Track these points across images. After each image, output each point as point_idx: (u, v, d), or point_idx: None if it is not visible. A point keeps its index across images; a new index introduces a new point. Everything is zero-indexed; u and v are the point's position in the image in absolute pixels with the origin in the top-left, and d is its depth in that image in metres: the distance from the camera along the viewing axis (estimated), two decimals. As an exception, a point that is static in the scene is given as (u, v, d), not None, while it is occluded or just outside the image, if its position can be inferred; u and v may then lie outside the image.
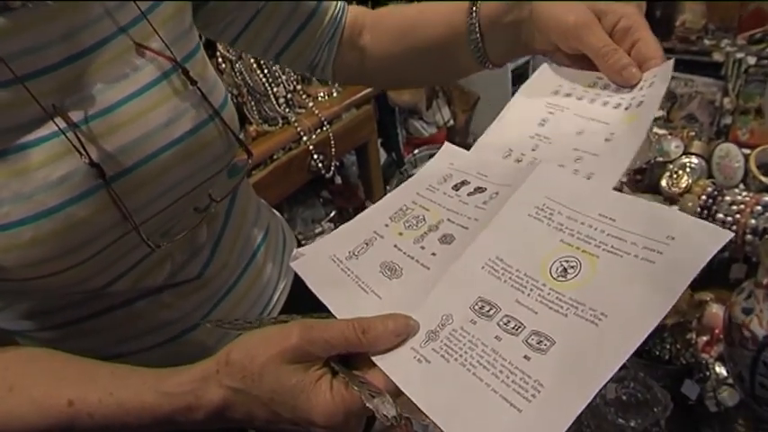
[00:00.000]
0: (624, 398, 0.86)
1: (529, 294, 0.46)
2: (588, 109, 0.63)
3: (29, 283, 0.59)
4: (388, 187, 2.74)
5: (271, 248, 0.88)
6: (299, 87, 2.09)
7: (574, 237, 0.48)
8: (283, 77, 2.05)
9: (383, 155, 2.83)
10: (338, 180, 2.35)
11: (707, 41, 2.52)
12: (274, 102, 1.99)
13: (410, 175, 2.41)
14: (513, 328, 0.45)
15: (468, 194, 0.60)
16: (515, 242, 0.51)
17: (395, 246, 0.58)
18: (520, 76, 3.30)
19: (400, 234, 0.59)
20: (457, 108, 3.06)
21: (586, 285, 0.45)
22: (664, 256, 0.43)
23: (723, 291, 0.95)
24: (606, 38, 0.61)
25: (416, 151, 2.94)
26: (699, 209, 0.97)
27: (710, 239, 0.43)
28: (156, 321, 0.72)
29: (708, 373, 0.86)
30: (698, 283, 1.00)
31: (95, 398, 0.54)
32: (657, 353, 0.89)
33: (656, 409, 0.84)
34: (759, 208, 0.93)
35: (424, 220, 0.59)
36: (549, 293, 0.45)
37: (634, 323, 0.41)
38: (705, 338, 0.91)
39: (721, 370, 0.87)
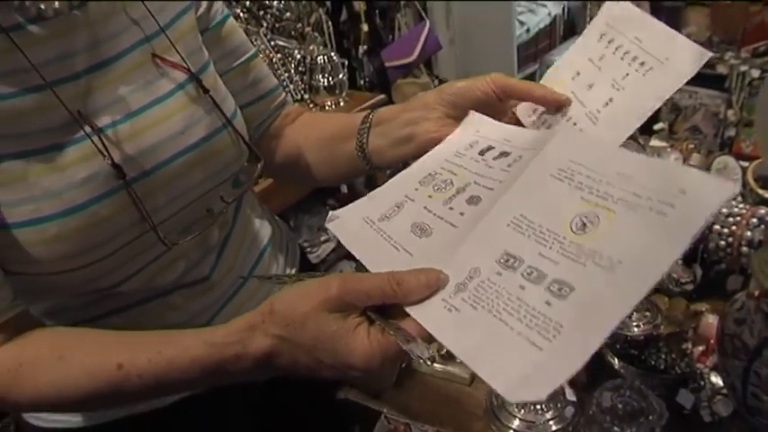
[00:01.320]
0: (620, 406, 0.87)
1: (551, 247, 0.50)
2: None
3: (51, 278, 0.63)
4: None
5: (275, 252, 0.91)
6: (306, 96, 2.11)
7: (593, 194, 0.51)
8: (290, 86, 2.08)
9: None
10: (344, 189, 2.37)
11: (711, 54, 2.54)
12: (281, 111, 2.01)
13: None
14: (536, 277, 0.48)
15: (494, 158, 0.64)
16: (538, 200, 0.54)
17: (425, 207, 0.62)
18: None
19: (429, 197, 0.63)
20: (463, 118, 3.09)
21: (604, 237, 0.48)
22: (675, 209, 0.46)
23: (719, 302, 0.96)
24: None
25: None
26: (734, 184, 0.99)
27: (717, 192, 0.46)
28: (163, 323, 0.75)
29: (703, 383, 0.87)
30: (695, 294, 1.01)
31: (144, 358, 0.57)
32: (653, 362, 0.90)
33: (651, 418, 0.85)
34: (755, 220, 0.94)
35: (452, 183, 0.63)
36: (569, 246, 0.49)
37: (646, 269, 0.44)
38: (701, 348, 0.92)
39: (716, 380, 0.87)
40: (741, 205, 0.99)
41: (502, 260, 0.51)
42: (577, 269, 0.47)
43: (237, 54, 0.83)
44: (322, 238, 2.32)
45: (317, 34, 2.42)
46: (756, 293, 0.73)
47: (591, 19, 2.44)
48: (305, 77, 2.17)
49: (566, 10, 3.69)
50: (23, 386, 0.59)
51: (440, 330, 0.50)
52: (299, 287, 0.54)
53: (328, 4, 2.57)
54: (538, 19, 3.43)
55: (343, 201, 2.46)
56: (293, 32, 2.31)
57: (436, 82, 2.94)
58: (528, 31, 3.34)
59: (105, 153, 0.61)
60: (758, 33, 2.35)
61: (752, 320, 0.74)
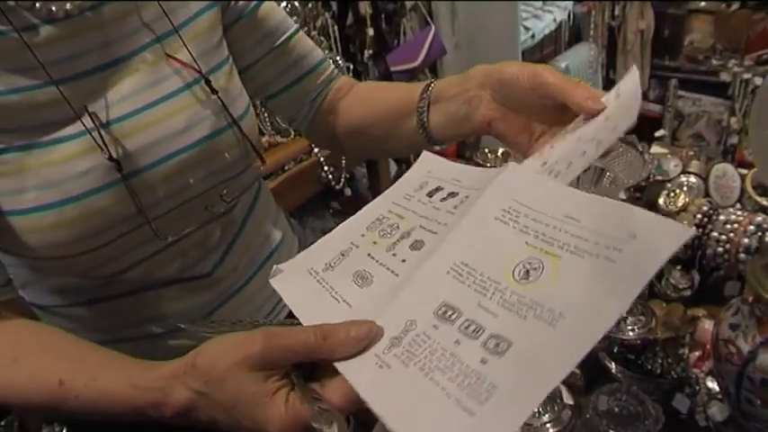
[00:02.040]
0: (617, 410, 0.88)
1: (491, 298, 0.46)
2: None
3: (51, 263, 0.66)
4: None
5: (283, 257, 0.91)
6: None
7: (538, 238, 0.48)
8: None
9: (393, 167, 2.86)
10: (348, 192, 2.38)
11: (714, 61, 2.55)
12: (286, 114, 2.03)
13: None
14: (473, 331, 0.45)
15: (441, 200, 0.61)
16: (481, 246, 0.51)
17: (368, 255, 0.59)
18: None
19: (374, 243, 0.60)
20: (468, 122, 3.10)
21: (547, 287, 0.45)
22: (624, 254, 0.43)
23: (716, 308, 0.96)
24: (563, 76, 0.63)
25: None
26: (694, 227, 0.99)
27: (670, 237, 0.42)
28: (160, 312, 0.77)
29: (698, 388, 0.88)
30: (693, 300, 1.02)
31: (81, 382, 0.58)
32: (650, 367, 0.91)
33: (647, 422, 0.86)
34: (752, 227, 0.95)
35: (398, 227, 0.60)
36: (510, 296, 0.45)
37: (591, 323, 0.41)
38: (697, 354, 0.93)
39: (712, 385, 0.88)
40: (739, 212, 1.00)
41: (440, 312, 0.48)
42: (517, 323, 0.44)
43: (277, 34, 0.83)
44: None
45: (322, 38, 2.44)
46: (750, 299, 0.74)
47: (595, 26, 2.44)
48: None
49: (571, 16, 3.68)
50: None
51: (367, 390, 0.45)
52: (224, 340, 0.52)
53: (334, 7, 2.58)
54: (543, 25, 3.42)
55: (346, 204, 2.48)
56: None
57: (441, 86, 2.96)
58: (533, 36, 3.32)
59: (104, 148, 0.63)
60: (761, 41, 2.36)
61: (746, 326, 0.75)
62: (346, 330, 0.49)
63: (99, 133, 0.63)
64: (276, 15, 0.84)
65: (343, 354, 0.48)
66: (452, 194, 0.60)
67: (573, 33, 3.74)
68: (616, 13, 2.72)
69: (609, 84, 2.99)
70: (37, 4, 0.61)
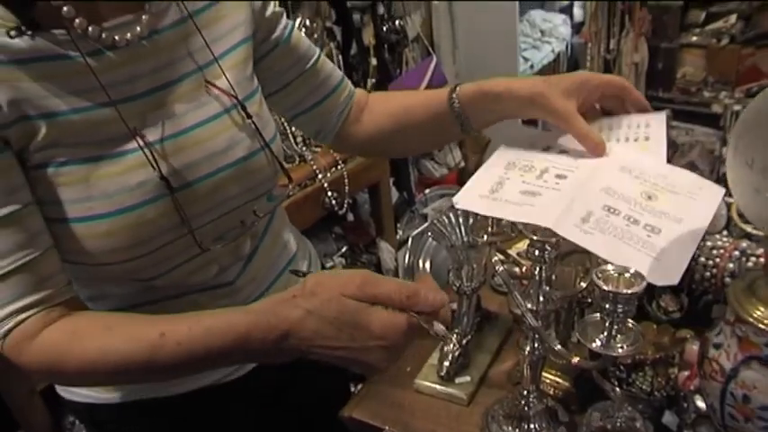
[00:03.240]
0: (609, 427, 0.92)
1: (634, 206, 0.77)
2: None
3: (99, 268, 0.72)
4: (398, 225, 2.82)
5: (299, 265, 1.01)
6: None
7: (648, 182, 0.81)
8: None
9: (395, 194, 2.92)
10: (351, 217, 2.43)
11: (706, 93, 2.63)
12: (292, 140, 2.09)
13: (421, 215, 2.50)
14: (633, 221, 0.75)
15: (558, 153, 0.87)
16: (615, 180, 0.81)
17: (523, 182, 0.82)
18: (530, 120, 3.42)
19: (521, 176, 0.83)
20: (468, 150, 3.15)
21: (665, 205, 0.78)
22: (699, 196, 0.80)
23: (704, 329, 1.01)
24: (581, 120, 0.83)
25: (427, 191, 3.02)
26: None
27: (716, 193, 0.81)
28: None
29: (687, 406, 0.93)
30: (682, 322, 1.06)
31: (185, 327, 0.65)
32: (641, 385, 0.95)
33: (638, 438, 0.90)
34: (737, 253, 1.00)
35: (534, 167, 0.84)
36: (645, 206, 0.78)
37: (698, 222, 0.77)
38: (686, 373, 0.97)
39: (700, 403, 0.93)
40: (726, 239, 1.05)
41: (605, 209, 0.76)
42: (657, 220, 0.76)
43: (307, 58, 0.94)
44: (327, 265, 2.38)
45: (327, 67, 2.51)
46: (732, 320, 0.79)
47: (591, 58, 2.52)
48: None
49: (569, 47, 3.78)
50: (73, 351, 0.67)
51: (583, 242, 0.73)
52: (329, 274, 0.65)
53: (339, 37, 2.66)
54: (542, 55, 3.51)
55: (349, 229, 2.53)
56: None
57: (441, 115, 3.02)
58: (532, 66, 3.41)
59: (154, 165, 0.71)
60: (751, 75, 2.44)
61: (728, 345, 0.79)
62: (425, 296, 0.63)
63: (150, 151, 0.71)
64: (304, 42, 0.95)
65: (419, 310, 0.63)
66: (564, 151, 0.86)
67: (571, 64, 3.83)
68: (611, 46, 2.81)
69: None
70: (103, 34, 0.68)
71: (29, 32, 0.64)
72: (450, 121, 0.93)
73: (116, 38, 0.70)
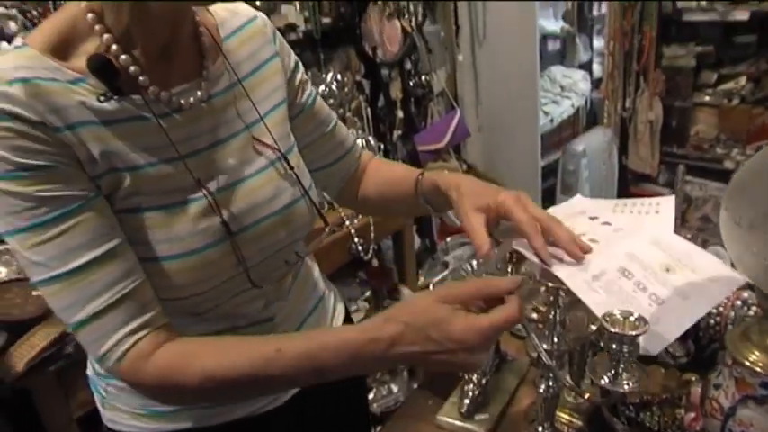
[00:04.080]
0: (619, 463, 0.99)
1: (649, 275, 0.84)
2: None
3: (163, 303, 0.80)
4: (420, 271, 2.91)
5: (326, 305, 1.10)
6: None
7: (672, 257, 0.87)
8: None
9: (418, 241, 3.01)
10: (375, 262, 2.52)
11: (719, 150, 2.72)
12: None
13: (442, 262, 2.57)
14: (642, 288, 0.82)
15: (602, 224, 0.95)
16: (641, 249, 0.88)
17: None
18: (550, 172, 3.50)
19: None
20: (489, 200, 3.24)
21: (678, 279, 0.83)
22: (714, 279, 0.84)
23: (709, 373, 1.08)
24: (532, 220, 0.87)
25: (449, 240, 3.10)
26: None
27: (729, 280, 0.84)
28: None
29: (692, 444, 0.99)
30: (688, 367, 1.13)
31: (301, 342, 0.75)
32: (649, 424, 1.02)
33: (646, 474, 0.96)
34: (739, 303, 1.08)
35: (574, 229, 0.89)
36: (660, 277, 0.84)
37: (701, 302, 0.82)
38: (692, 415, 1.04)
39: (705, 442, 0.99)
40: (729, 290, 1.13)
41: (620, 270, 0.83)
42: (666, 292, 0.82)
43: (327, 122, 1.06)
44: (351, 308, 2.47)
45: (356, 119, 2.64)
46: (730, 362, 0.87)
47: (608, 115, 2.64)
48: (344, 159, 2.37)
49: (588, 102, 3.88)
50: (190, 368, 0.74)
51: (586, 297, 0.80)
52: (416, 295, 0.76)
53: (367, 91, 2.80)
54: (561, 110, 3.60)
55: (373, 274, 2.62)
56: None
57: (464, 166, 3.13)
58: (552, 121, 3.50)
59: (217, 211, 0.81)
60: (761, 133, 2.53)
61: (726, 385, 0.87)
62: (496, 283, 0.74)
63: (213, 199, 0.81)
64: (325, 108, 1.07)
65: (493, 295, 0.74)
66: (607, 223, 0.95)
67: (590, 118, 3.93)
68: (627, 105, 2.92)
69: (621, 169, 3.15)
70: (172, 100, 0.80)
71: (114, 97, 0.75)
72: (421, 203, 1.03)
73: (182, 102, 0.81)
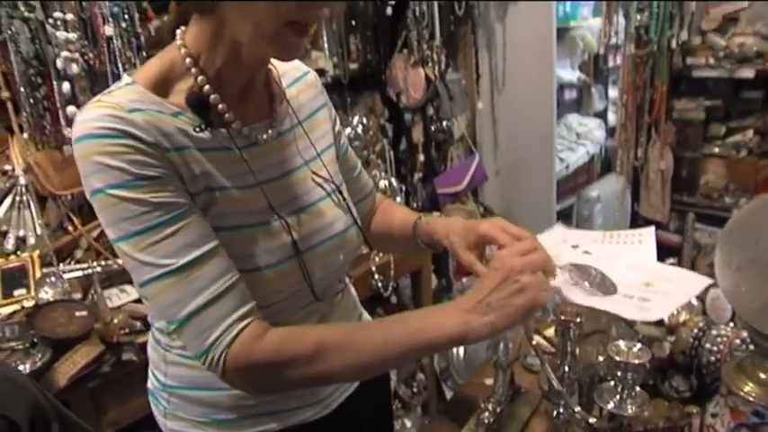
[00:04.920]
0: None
1: (633, 289, 0.96)
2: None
3: None
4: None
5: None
6: (367, 216, 2.41)
7: (649, 276, 0.98)
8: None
9: (435, 280, 3.10)
10: (393, 299, 2.61)
11: (727, 199, 2.82)
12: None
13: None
14: (629, 297, 0.94)
15: (583, 252, 1.07)
16: (625, 273, 1.00)
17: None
18: (565, 217, 3.59)
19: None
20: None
21: (655, 289, 0.95)
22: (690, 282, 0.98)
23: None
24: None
25: (465, 280, 3.16)
26: (691, 339, 1.21)
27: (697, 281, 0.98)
28: None
29: (693, 472, 1.07)
30: (691, 400, 1.22)
31: (402, 315, 0.95)
32: (652, 452, 1.10)
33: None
34: (737, 341, 1.16)
35: (560, 257, 1.00)
36: (642, 289, 0.96)
37: (677, 297, 0.95)
38: (692, 444, 1.12)
39: (705, 470, 1.07)
40: (729, 329, 1.21)
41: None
42: (650, 295, 0.93)
43: (354, 168, 1.20)
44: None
45: (380, 161, 2.76)
46: (725, 392, 0.96)
47: (621, 163, 2.75)
48: (367, 199, 2.49)
49: (602, 149, 3.97)
50: (309, 335, 0.86)
51: (585, 301, 0.94)
52: None
53: (390, 134, 2.93)
54: (576, 156, 3.67)
55: (390, 310, 2.70)
56: (359, 158, 2.65)
57: (481, 209, 3.23)
58: (567, 167, 3.57)
59: (288, 232, 0.92)
60: (768, 184, 2.62)
61: (722, 414, 0.96)
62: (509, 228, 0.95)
63: (285, 221, 0.93)
64: (353, 155, 1.21)
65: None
66: (587, 252, 1.07)
67: (604, 165, 4.01)
68: (639, 154, 3.03)
69: (634, 216, 3.24)
70: (250, 134, 0.93)
71: (206, 129, 0.88)
72: (420, 245, 1.16)
73: (257, 136, 0.94)
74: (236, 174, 0.91)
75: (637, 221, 3.12)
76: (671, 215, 3.06)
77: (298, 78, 1.07)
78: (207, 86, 0.88)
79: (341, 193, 1.04)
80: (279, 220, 0.93)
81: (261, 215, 0.92)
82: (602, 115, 4.11)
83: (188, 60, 0.87)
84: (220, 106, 0.89)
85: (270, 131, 0.96)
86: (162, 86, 0.87)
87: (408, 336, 0.84)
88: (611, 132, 3.85)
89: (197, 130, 0.87)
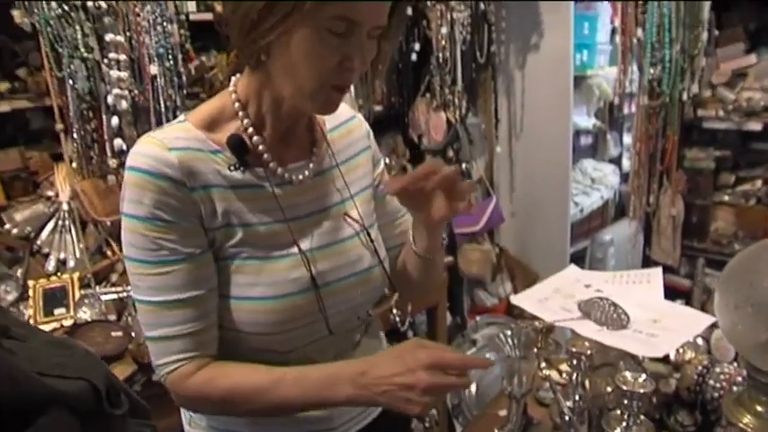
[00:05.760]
0: None
1: (639, 327, 1.07)
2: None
3: (249, 336, 0.99)
4: (450, 347, 3.03)
5: None
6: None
7: (654, 312, 1.04)
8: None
9: (449, 318, 3.16)
10: (410, 334, 2.66)
11: (737, 246, 2.89)
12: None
13: (471, 339, 2.73)
14: (638, 331, 1.05)
15: (595, 291, 1.15)
16: (633, 310, 1.11)
17: (564, 301, 1.16)
18: (578, 259, 3.63)
19: (564, 298, 1.18)
20: (518, 283, 3.36)
21: (661, 324, 1.06)
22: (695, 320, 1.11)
23: (711, 440, 1.23)
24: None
25: (478, 318, 3.20)
26: (696, 376, 1.29)
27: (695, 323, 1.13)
28: None
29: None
30: (696, 435, 1.28)
31: (299, 370, 0.96)
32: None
33: None
34: (740, 379, 1.24)
35: (574, 296, 1.11)
36: (651, 325, 1.03)
37: (687, 333, 1.11)
38: (695, 475, 1.19)
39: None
40: (732, 367, 1.29)
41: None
42: (658, 331, 1.04)
43: (393, 214, 1.22)
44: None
45: (399, 200, 2.83)
46: (725, 424, 1.03)
47: (634, 208, 2.82)
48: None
49: (616, 194, 4.02)
50: (219, 385, 0.95)
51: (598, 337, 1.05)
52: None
53: (411, 175, 3.01)
54: (591, 201, 3.69)
55: (407, 344, 2.77)
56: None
57: (497, 250, 3.30)
58: (582, 210, 3.58)
59: (308, 266, 0.99)
60: (777, 232, 2.69)
61: (723, 444, 1.03)
62: (456, 361, 0.91)
63: (305, 256, 1.00)
64: (394, 201, 1.22)
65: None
66: (599, 290, 1.14)
67: (618, 209, 4.05)
68: (651, 200, 3.10)
69: (645, 260, 3.28)
70: (285, 174, 1.01)
71: (242, 168, 0.98)
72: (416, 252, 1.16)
73: (293, 177, 1.02)
74: (264, 210, 0.99)
75: (648, 265, 3.17)
76: (681, 260, 3.13)
77: (342, 123, 1.15)
78: (251, 129, 0.99)
79: (368, 234, 1.10)
80: (300, 255, 1.00)
81: (282, 248, 1.00)
82: (616, 161, 4.15)
83: (237, 105, 0.99)
84: (260, 147, 0.99)
85: (306, 173, 1.04)
86: (211, 125, 0.98)
87: (306, 399, 0.96)
88: (625, 177, 3.90)
89: (231, 168, 0.97)
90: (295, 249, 1.00)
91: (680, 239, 3.07)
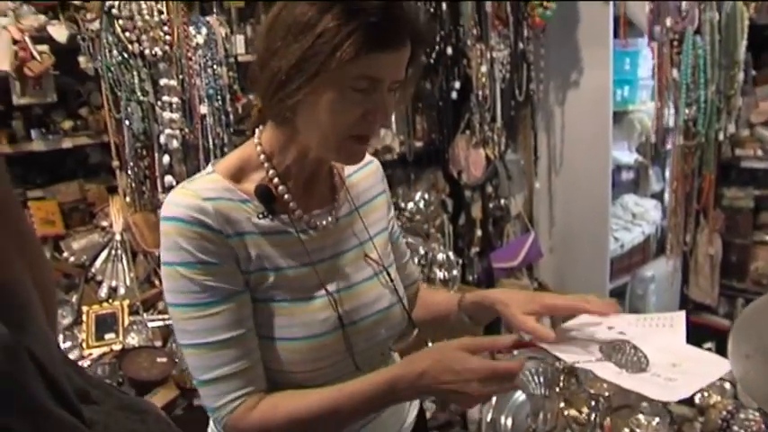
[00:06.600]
0: None
1: (661, 369, 1.01)
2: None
3: (284, 375, 1.05)
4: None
5: None
6: (424, 285, 2.56)
7: (675, 355, 1.03)
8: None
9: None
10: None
11: (777, 286, 2.85)
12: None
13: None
14: (656, 375, 0.99)
15: (618, 333, 1.13)
16: (655, 355, 1.04)
17: (588, 343, 1.10)
18: (618, 295, 3.61)
19: (587, 339, 1.13)
20: (556, 318, 3.38)
21: (680, 369, 0.99)
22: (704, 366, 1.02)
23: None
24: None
25: (515, 352, 3.21)
26: (720, 421, 1.30)
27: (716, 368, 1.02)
28: None
29: None
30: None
31: (355, 383, 1.00)
32: None
33: None
34: (763, 426, 1.25)
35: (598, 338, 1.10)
36: (670, 369, 1.00)
37: (707, 377, 1.01)
38: None
39: None
40: (757, 413, 1.30)
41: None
42: (677, 375, 0.98)
43: (403, 256, 1.30)
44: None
45: (439, 234, 2.91)
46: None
47: (671, 247, 2.81)
48: (425, 270, 2.65)
49: (658, 230, 4.00)
50: (280, 412, 1.00)
51: (616, 380, 0.99)
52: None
53: (450, 209, 3.09)
54: (632, 236, 3.69)
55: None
56: (420, 231, 2.83)
57: (535, 284, 3.32)
58: (622, 246, 3.58)
59: (335, 307, 1.05)
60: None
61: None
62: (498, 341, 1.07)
63: (332, 297, 1.06)
64: (403, 244, 1.31)
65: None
66: (622, 332, 1.13)
67: (660, 245, 4.02)
68: (688, 239, 3.09)
69: (683, 298, 3.26)
70: (311, 221, 1.07)
71: (269, 216, 1.04)
72: (461, 318, 1.23)
73: (317, 223, 1.08)
74: (292, 254, 1.05)
75: (686, 304, 3.15)
76: (720, 299, 3.08)
77: (360, 168, 1.20)
78: (276, 179, 1.05)
79: (388, 273, 1.15)
80: (327, 296, 1.06)
81: (311, 291, 1.05)
82: (658, 196, 4.13)
83: (262, 157, 1.05)
84: (286, 196, 1.05)
85: (329, 218, 1.10)
86: (237, 175, 1.04)
87: (370, 410, 1.03)
88: (667, 213, 3.89)
89: (260, 217, 1.03)
90: (322, 291, 1.06)
91: (718, 279, 3.04)
